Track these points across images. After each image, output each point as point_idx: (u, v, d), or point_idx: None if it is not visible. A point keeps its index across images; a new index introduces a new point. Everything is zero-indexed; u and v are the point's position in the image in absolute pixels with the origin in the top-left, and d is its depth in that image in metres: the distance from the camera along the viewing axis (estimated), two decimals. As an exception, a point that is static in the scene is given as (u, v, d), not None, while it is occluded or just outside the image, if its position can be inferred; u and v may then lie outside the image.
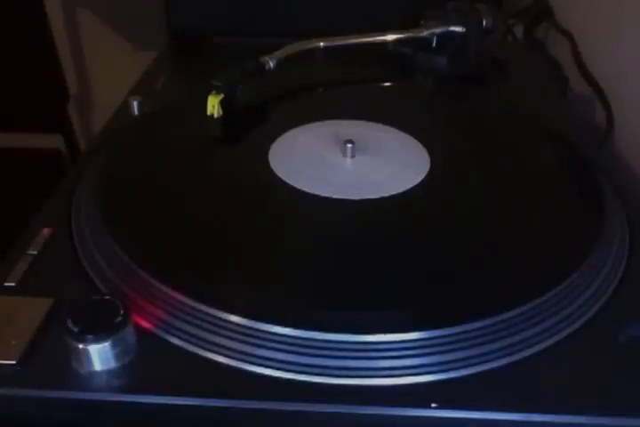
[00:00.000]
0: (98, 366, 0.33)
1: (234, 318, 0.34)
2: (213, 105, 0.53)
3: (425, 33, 0.64)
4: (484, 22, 0.64)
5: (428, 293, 0.37)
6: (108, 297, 0.34)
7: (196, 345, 0.34)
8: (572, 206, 0.46)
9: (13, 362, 0.33)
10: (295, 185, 0.45)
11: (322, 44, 0.60)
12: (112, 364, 0.33)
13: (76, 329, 0.32)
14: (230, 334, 0.34)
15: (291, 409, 0.32)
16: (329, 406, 0.32)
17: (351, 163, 0.48)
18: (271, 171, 0.47)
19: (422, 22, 0.65)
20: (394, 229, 0.43)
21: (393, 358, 0.34)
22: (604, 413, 0.32)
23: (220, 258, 0.40)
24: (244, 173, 0.48)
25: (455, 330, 0.34)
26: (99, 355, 0.32)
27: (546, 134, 0.55)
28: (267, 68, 0.56)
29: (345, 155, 0.49)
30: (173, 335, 0.35)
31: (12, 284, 0.38)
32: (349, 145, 0.48)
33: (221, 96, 0.53)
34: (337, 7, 0.73)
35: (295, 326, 0.34)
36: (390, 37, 0.63)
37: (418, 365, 0.33)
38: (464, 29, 0.64)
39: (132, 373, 0.33)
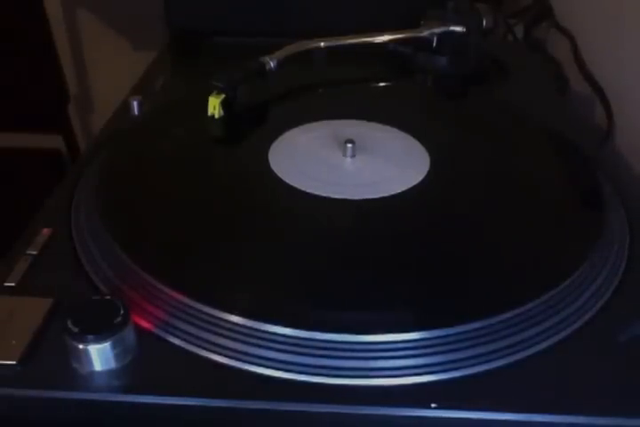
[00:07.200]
0: (98, 366, 0.33)
1: (234, 318, 0.34)
2: (214, 106, 0.53)
3: (425, 33, 0.64)
4: (484, 22, 0.64)
5: (428, 293, 0.37)
6: (107, 297, 0.34)
7: (195, 345, 0.34)
8: (572, 206, 0.46)
9: (14, 362, 0.33)
10: (295, 185, 0.45)
11: (322, 44, 0.60)
12: (112, 364, 0.33)
13: (76, 329, 0.32)
14: (230, 334, 0.34)
15: (291, 409, 0.32)
16: (329, 406, 0.32)
17: (351, 163, 0.48)
18: (271, 171, 0.47)
19: (422, 22, 0.65)
20: (393, 228, 0.43)
21: (393, 358, 0.34)
22: (604, 413, 0.32)
23: (220, 258, 0.40)
24: (244, 173, 0.48)
25: (455, 330, 0.34)
26: (99, 355, 0.32)
27: (546, 134, 0.55)
28: (267, 68, 0.56)
29: (345, 155, 0.49)
30: (173, 335, 0.35)
31: (12, 284, 0.38)
32: (349, 145, 0.48)
33: (222, 97, 0.53)
34: (337, 7, 0.73)
35: (295, 326, 0.34)
36: (390, 37, 0.63)
37: (418, 365, 0.33)
38: (464, 29, 0.64)
39: (132, 373, 0.33)
